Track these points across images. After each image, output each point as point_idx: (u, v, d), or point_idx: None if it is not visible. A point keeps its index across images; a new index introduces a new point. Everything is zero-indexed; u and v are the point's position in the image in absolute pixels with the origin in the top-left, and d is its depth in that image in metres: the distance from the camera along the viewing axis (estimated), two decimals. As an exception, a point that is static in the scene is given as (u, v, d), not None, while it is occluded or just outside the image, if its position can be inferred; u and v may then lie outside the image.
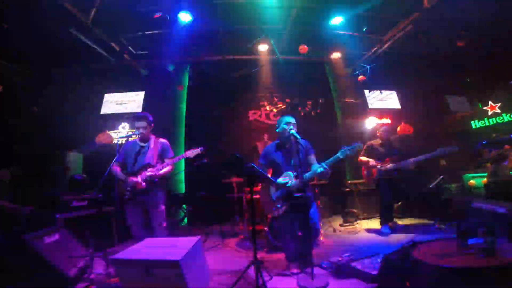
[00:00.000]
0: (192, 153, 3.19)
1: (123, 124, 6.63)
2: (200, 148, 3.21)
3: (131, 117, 3.33)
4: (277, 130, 3.09)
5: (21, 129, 5.22)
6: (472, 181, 4.41)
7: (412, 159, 4.19)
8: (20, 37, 4.66)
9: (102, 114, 6.73)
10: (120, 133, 6.54)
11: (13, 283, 2.08)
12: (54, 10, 4.05)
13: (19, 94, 5.52)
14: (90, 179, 4.40)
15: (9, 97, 5.22)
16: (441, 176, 4.40)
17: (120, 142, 6.20)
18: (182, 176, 6.32)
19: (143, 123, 3.21)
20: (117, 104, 6.85)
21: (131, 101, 6.86)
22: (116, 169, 3.18)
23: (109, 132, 6.43)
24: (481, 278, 1.85)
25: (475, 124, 6.05)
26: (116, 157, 3.12)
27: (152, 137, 3.36)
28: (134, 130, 3.29)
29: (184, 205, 5.53)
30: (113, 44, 5.45)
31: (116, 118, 6.65)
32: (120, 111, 6.77)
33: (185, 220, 5.44)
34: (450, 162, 5.29)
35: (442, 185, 4.69)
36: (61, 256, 2.44)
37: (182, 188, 6.32)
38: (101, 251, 2.78)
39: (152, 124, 3.35)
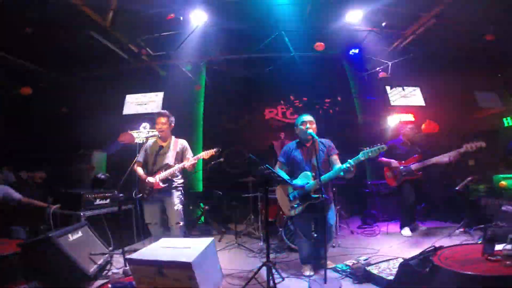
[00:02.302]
0: (207, 154, 3.22)
1: (144, 124, 6.86)
2: (214, 149, 3.23)
3: (154, 114, 3.45)
4: (296, 130, 3.05)
5: (49, 130, 5.57)
6: (503, 182, 4.07)
7: (436, 158, 3.96)
8: (44, 41, 4.93)
9: (124, 115, 7.00)
10: (141, 133, 6.78)
11: (38, 279, 2.23)
12: (73, 14, 4.25)
13: (46, 96, 5.88)
14: (113, 177, 4.61)
15: (37, 98, 5.58)
16: (470, 177, 4.13)
17: (142, 141, 6.44)
18: (200, 175, 6.45)
19: (163, 119, 3.33)
20: (137, 104, 7.10)
21: (151, 101, 7.08)
22: (138, 169, 3.31)
23: (131, 132, 6.69)
24: (507, 287, 1.73)
25: (508, 121, 5.60)
26: (137, 157, 3.27)
27: (172, 137, 3.45)
28: (154, 131, 3.40)
29: (201, 204, 5.64)
30: (131, 46, 5.64)
31: (137, 119, 6.88)
32: (140, 112, 7.01)
33: (202, 218, 5.54)
34: (479, 162, 4.95)
35: (470, 186, 4.40)
36: (82, 253, 2.56)
37: (200, 186, 6.46)
38: (121, 248, 2.89)
39: (173, 124, 3.44)
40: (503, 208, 3.13)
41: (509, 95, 5.89)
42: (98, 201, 3.67)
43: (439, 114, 6.32)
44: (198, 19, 4.79)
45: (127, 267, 2.47)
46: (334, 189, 4.11)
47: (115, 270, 2.28)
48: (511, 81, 5.86)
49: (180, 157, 3.38)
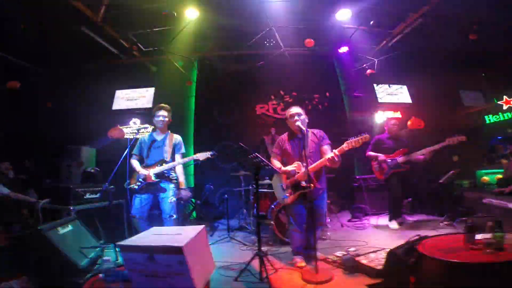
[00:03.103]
0: (202, 156, 3.26)
1: (134, 120, 6.77)
2: (210, 153, 3.28)
3: (156, 108, 3.47)
4: (287, 123, 3.11)
5: (38, 124, 5.43)
6: (485, 177, 4.29)
7: (421, 151, 4.11)
8: (35, 36, 4.81)
9: (114, 110, 6.89)
10: (131, 128, 6.69)
11: (28, 272, 2.19)
12: (65, 9, 4.16)
13: (35, 91, 5.72)
14: (102, 172, 4.54)
15: (26, 94, 5.42)
16: (452, 171, 4.30)
17: (132, 137, 6.35)
18: (191, 169, 6.43)
19: (165, 112, 3.39)
20: (128, 100, 7.00)
21: (141, 97, 6.99)
22: (133, 161, 3.33)
23: (120, 127, 6.60)
24: (488, 273, 1.81)
25: (489, 119, 5.85)
26: (134, 150, 3.32)
27: (168, 131, 3.49)
28: (145, 126, 3.41)
29: (193, 199, 5.63)
30: (122, 41, 5.55)
31: (127, 114, 6.80)
32: (131, 107, 6.92)
33: (194, 214, 5.54)
34: (463, 158, 5.16)
35: (453, 181, 4.58)
36: (73, 247, 2.54)
37: (191, 181, 6.43)
38: (112, 242, 2.87)
39: (171, 119, 3.51)
40: (484, 200, 3.28)
41: (491, 94, 6.14)
42: (88, 195, 3.62)
43: (424, 111, 6.53)
44: (190, 14, 4.76)
45: (119, 260, 2.46)
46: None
47: (108, 262, 2.27)
48: (494, 79, 6.10)
49: (173, 151, 3.41)
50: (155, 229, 2.50)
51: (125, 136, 6.50)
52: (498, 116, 5.69)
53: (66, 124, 5.84)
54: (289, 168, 2.88)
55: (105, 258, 2.33)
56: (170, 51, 5.99)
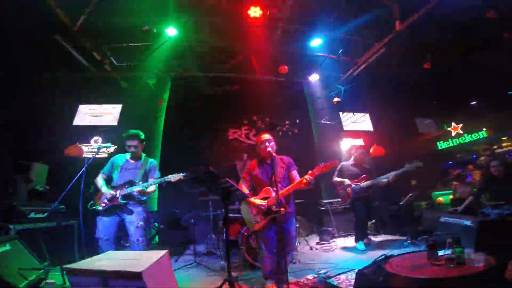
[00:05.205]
0: (174, 177, 3.09)
1: (96, 138, 6.35)
2: (182, 174, 3.10)
3: (125, 136, 3.27)
4: (257, 149, 3.14)
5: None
6: (440, 198, 4.64)
7: (383, 176, 4.34)
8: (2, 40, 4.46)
9: (75, 125, 6.40)
10: (91, 147, 6.23)
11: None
12: (44, 15, 3.99)
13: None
14: (53, 191, 4.11)
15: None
16: (411, 194, 4.58)
17: (91, 156, 5.88)
18: (155, 193, 6.05)
19: (134, 142, 3.22)
20: (91, 116, 6.58)
21: (107, 113, 6.62)
22: (99, 180, 3.16)
23: (80, 145, 6.12)
24: (453, 287, 1.87)
25: (441, 145, 6.47)
26: (103, 168, 3.19)
27: (143, 155, 3.37)
28: (107, 144, 3.33)
29: (156, 223, 5.26)
30: (94, 53, 5.34)
31: (89, 131, 6.36)
32: (94, 124, 6.50)
33: (156, 238, 5.14)
34: (420, 181, 5.54)
35: (413, 202, 4.87)
36: (11, 268, 2.26)
37: (154, 205, 6.04)
38: (60, 265, 2.55)
39: (144, 143, 3.37)
40: (441, 219, 3.49)
41: (442, 121, 6.82)
42: (33, 215, 3.23)
43: (385, 138, 7.01)
44: (169, 33, 4.81)
45: (66, 284, 2.17)
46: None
47: (50, 286, 1.96)
48: (444, 107, 6.78)
49: (147, 176, 3.26)
50: (111, 253, 2.32)
51: (84, 155, 6.03)
52: (448, 142, 6.32)
53: (20, 135, 5.26)
54: (258, 201, 2.87)
55: (49, 281, 2.02)
56: (144, 68, 5.87)
